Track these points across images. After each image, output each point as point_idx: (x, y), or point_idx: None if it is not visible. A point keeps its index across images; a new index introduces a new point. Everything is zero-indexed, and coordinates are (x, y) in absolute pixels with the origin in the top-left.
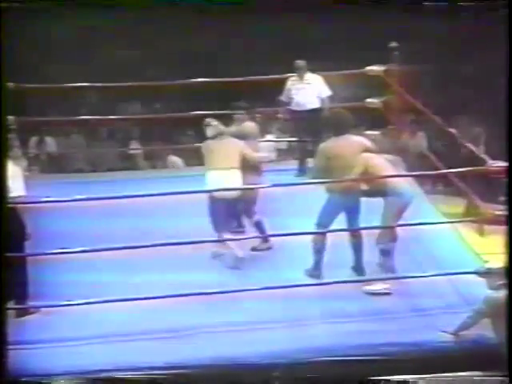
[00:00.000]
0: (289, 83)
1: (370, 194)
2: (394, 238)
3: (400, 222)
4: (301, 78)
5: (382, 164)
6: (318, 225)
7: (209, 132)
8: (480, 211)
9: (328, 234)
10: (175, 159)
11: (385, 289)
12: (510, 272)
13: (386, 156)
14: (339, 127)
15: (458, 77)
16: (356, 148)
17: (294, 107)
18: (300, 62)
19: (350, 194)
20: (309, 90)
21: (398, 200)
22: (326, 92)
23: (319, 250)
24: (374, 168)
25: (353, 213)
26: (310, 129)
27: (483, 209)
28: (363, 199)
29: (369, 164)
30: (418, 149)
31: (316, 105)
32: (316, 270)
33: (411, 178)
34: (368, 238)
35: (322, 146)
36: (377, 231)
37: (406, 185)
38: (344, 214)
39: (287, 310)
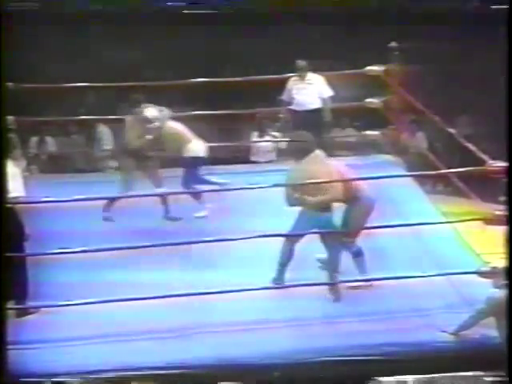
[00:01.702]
0: (290, 83)
1: (337, 203)
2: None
3: (400, 222)
4: (302, 77)
5: (345, 170)
6: (287, 239)
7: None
8: (480, 211)
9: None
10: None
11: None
12: (510, 272)
13: (387, 156)
14: (302, 150)
15: (458, 77)
16: (324, 168)
17: (295, 107)
18: (301, 62)
19: (324, 212)
20: (310, 89)
21: (365, 204)
22: (328, 92)
23: (284, 263)
24: (340, 177)
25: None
26: (311, 129)
27: (483, 209)
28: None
29: (334, 175)
30: (417, 149)
31: (317, 105)
32: (279, 280)
33: (411, 178)
34: None
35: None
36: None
37: (370, 187)
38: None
39: (287, 310)
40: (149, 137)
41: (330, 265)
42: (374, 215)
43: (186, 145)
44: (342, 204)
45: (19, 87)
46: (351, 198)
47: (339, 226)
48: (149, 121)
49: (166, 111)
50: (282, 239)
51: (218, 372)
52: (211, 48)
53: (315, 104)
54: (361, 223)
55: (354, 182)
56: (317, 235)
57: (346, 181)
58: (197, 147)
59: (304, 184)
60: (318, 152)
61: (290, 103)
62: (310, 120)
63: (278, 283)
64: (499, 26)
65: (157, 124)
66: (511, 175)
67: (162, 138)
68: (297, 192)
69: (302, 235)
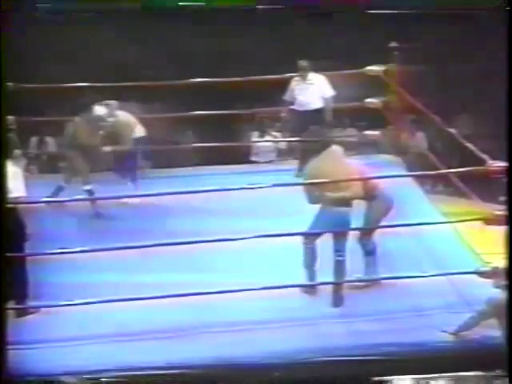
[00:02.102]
0: (292, 83)
1: (356, 200)
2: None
3: (400, 222)
4: (304, 77)
5: (364, 170)
6: (306, 239)
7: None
8: (480, 211)
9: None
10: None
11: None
12: (510, 272)
13: (387, 156)
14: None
15: (458, 77)
16: (340, 164)
17: (297, 107)
18: (303, 62)
19: (339, 205)
20: (312, 89)
21: (383, 203)
22: (330, 92)
23: (310, 265)
24: (358, 175)
25: (342, 228)
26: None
27: (483, 209)
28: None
29: (352, 174)
30: (417, 149)
31: (319, 105)
32: (311, 287)
33: (411, 178)
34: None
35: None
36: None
37: (389, 186)
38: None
39: (287, 310)
40: (102, 133)
41: (339, 268)
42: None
43: (135, 129)
44: (360, 201)
45: (19, 87)
46: (370, 196)
47: (358, 224)
48: (102, 119)
49: (114, 103)
50: (300, 241)
51: (218, 372)
52: (211, 48)
53: (317, 104)
54: (378, 222)
55: (372, 180)
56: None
57: (364, 179)
58: (140, 128)
59: (316, 182)
60: (335, 147)
61: (292, 103)
62: (312, 120)
63: (311, 290)
64: (499, 26)
65: (111, 119)
66: (511, 175)
67: (118, 130)
68: (317, 189)
69: (318, 234)
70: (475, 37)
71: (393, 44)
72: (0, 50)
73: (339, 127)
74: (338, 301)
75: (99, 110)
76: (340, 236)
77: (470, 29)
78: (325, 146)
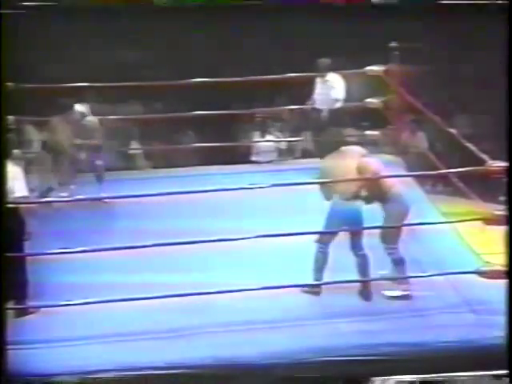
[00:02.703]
0: (315, 82)
1: (369, 200)
2: (397, 242)
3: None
4: (323, 77)
5: (379, 168)
6: (319, 241)
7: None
8: (480, 211)
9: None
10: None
11: (404, 290)
12: (510, 272)
13: (387, 156)
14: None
15: (458, 77)
16: (353, 158)
17: (316, 106)
18: (323, 61)
19: (351, 199)
20: (329, 89)
21: (399, 206)
22: (341, 94)
23: (320, 269)
24: (372, 173)
25: (355, 225)
26: (330, 128)
27: (483, 209)
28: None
29: (367, 170)
30: (418, 149)
31: (335, 105)
32: (315, 287)
33: (411, 178)
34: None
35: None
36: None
37: (405, 189)
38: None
39: (287, 310)
40: (84, 133)
41: (363, 263)
42: None
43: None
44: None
45: (19, 87)
46: (383, 198)
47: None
48: (83, 117)
49: (87, 106)
50: (313, 244)
51: (217, 372)
52: (211, 47)
53: (334, 103)
54: (395, 227)
55: (387, 181)
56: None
57: (366, 179)
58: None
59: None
60: (352, 147)
61: (313, 102)
62: (329, 119)
63: (315, 290)
64: (499, 26)
65: (89, 118)
66: (511, 175)
67: (96, 129)
68: (329, 185)
69: (332, 234)
70: (476, 36)
71: (393, 44)
72: (0, 50)
73: (339, 127)
74: (367, 296)
75: (80, 107)
76: (355, 233)
77: (470, 28)
78: (339, 145)
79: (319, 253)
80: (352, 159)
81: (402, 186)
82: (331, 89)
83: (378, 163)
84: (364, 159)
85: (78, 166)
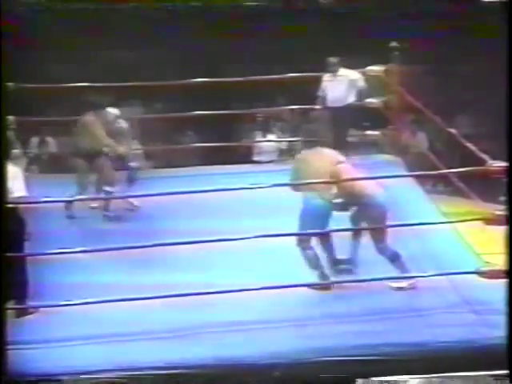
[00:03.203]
0: (324, 79)
1: (345, 206)
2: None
3: (401, 222)
4: (334, 74)
5: (355, 174)
6: (300, 242)
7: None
8: (480, 211)
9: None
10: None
11: (410, 284)
12: (510, 272)
13: (387, 156)
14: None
15: (458, 77)
16: (327, 161)
17: (327, 104)
18: (332, 59)
19: (325, 197)
20: (340, 86)
21: (375, 209)
22: (359, 87)
23: (317, 265)
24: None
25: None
26: (340, 126)
27: (483, 209)
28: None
29: (339, 177)
30: (418, 149)
31: (346, 102)
32: (324, 278)
33: (412, 178)
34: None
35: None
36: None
37: (380, 191)
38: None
39: (287, 310)
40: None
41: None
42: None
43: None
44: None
45: (20, 87)
46: (358, 203)
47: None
48: (115, 120)
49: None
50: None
51: (218, 372)
52: (213, 48)
53: (346, 101)
54: (376, 228)
55: (359, 186)
56: None
57: (367, 178)
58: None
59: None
60: (323, 149)
61: (323, 100)
62: (339, 117)
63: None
64: (500, 25)
65: (120, 121)
66: (511, 175)
67: (127, 132)
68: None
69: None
70: (476, 36)
71: (393, 44)
72: (0, 50)
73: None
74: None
75: (113, 110)
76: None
77: (471, 28)
78: (314, 145)
79: (305, 252)
80: (326, 162)
81: (377, 187)
82: (344, 85)
83: (352, 170)
84: (338, 166)
85: (117, 166)
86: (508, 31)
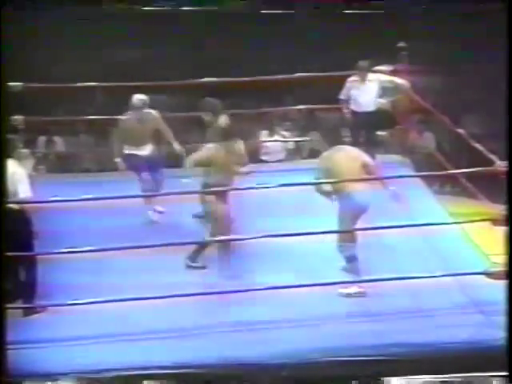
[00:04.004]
0: (349, 82)
1: (330, 194)
2: (353, 240)
3: (408, 223)
4: (362, 77)
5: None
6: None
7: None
8: (488, 212)
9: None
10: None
11: (359, 292)
12: (510, 272)
13: (394, 156)
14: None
15: (467, 76)
16: (354, 161)
17: (353, 107)
18: (362, 62)
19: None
20: (369, 90)
21: (353, 205)
22: (386, 93)
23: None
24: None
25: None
26: (366, 129)
27: (491, 209)
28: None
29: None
30: (425, 149)
31: (374, 107)
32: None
33: (418, 178)
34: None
35: (323, 155)
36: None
37: (367, 189)
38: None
39: (294, 310)
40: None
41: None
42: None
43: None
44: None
45: (28, 87)
46: (342, 193)
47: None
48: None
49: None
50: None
51: (226, 372)
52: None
53: (373, 106)
54: (346, 225)
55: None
56: None
57: (374, 178)
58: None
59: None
60: (350, 148)
61: (348, 102)
62: (367, 121)
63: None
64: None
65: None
66: (511, 175)
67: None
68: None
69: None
70: (485, 35)
71: (400, 44)
72: (1, 50)
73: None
74: None
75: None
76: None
77: (480, 27)
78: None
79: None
80: (353, 158)
81: (365, 185)
82: (372, 89)
83: (378, 169)
84: (366, 158)
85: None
86: (508, 30)
